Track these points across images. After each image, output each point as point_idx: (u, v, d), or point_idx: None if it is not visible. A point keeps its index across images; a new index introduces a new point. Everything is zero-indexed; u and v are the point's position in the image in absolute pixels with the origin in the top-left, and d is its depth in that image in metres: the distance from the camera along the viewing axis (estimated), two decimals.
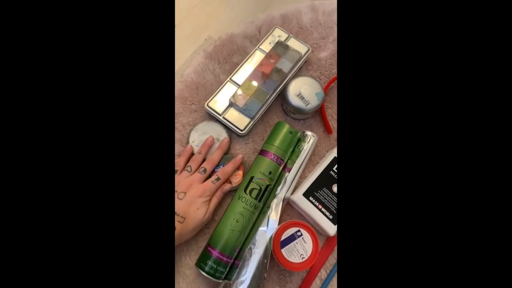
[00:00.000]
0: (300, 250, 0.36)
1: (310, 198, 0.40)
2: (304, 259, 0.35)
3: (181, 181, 0.39)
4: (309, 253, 0.36)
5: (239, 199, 0.39)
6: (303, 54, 0.47)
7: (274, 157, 0.40)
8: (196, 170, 0.40)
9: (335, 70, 0.50)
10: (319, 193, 0.40)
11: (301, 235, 0.36)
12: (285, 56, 0.46)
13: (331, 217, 0.39)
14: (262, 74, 0.45)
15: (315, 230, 0.40)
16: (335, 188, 0.40)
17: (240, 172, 0.42)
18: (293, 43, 0.48)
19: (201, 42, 0.53)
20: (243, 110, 0.43)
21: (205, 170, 0.40)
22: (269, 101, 0.44)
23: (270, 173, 0.40)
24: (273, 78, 0.45)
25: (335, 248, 0.41)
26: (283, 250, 0.36)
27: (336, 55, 0.51)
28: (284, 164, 0.41)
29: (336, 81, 0.49)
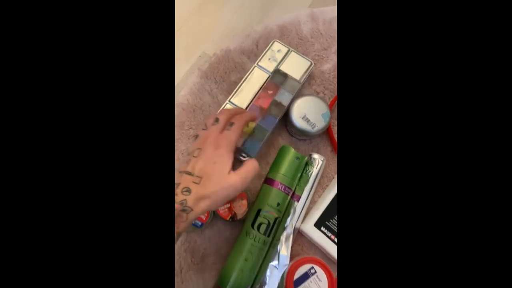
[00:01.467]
0: None
1: (322, 228, 0.38)
2: None
3: (198, 139, 0.32)
4: None
5: (247, 235, 0.36)
6: (304, 71, 0.44)
7: (281, 187, 0.38)
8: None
9: None
10: (331, 222, 0.38)
11: (315, 272, 0.34)
12: (284, 86, 0.42)
13: None
14: (261, 109, 0.41)
15: (330, 262, 0.38)
16: None
17: (244, 202, 0.40)
18: (294, 58, 0.45)
19: (195, 59, 0.50)
20: (242, 150, 0.39)
21: (217, 120, 0.32)
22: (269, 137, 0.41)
23: (278, 204, 0.37)
24: (272, 113, 0.41)
25: None
26: None
27: None
28: (292, 192, 0.39)
29: None
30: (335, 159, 0.44)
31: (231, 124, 0.32)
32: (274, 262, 0.36)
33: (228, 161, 0.30)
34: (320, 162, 0.40)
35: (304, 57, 0.45)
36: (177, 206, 0.27)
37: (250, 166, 0.31)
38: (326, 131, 0.44)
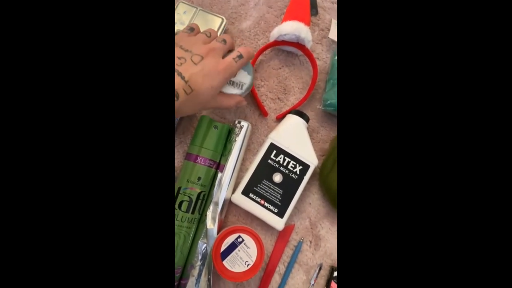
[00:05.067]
0: (244, 257, 0.33)
1: (251, 194, 0.36)
2: (249, 266, 0.32)
3: (194, 41, 0.30)
4: (254, 258, 0.32)
5: None
6: (216, 30, 0.40)
7: (201, 160, 0.35)
8: (200, 32, 0.32)
9: (262, 41, 0.44)
10: (260, 187, 0.36)
11: (243, 240, 0.33)
12: None
13: (276, 210, 0.36)
14: None
15: (267, 228, 0.37)
16: (276, 178, 0.36)
17: None
18: (203, 17, 0.41)
19: None
20: None
21: (225, 41, 0.32)
22: None
23: (199, 179, 0.35)
24: None
25: (289, 239, 0.39)
26: (225, 262, 0.32)
27: (260, 22, 0.44)
28: (217, 164, 0.37)
29: (264, 52, 0.42)
30: (264, 123, 0.42)
31: (240, 56, 0.32)
32: (204, 239, 0.35)
33: (221, 86, 0.31)
34: (245, 128, 0.38)
35: (214, 15, 0.41)
36: None
37: (237, 98, 0.34)
38: (252, 95, 0.41)
